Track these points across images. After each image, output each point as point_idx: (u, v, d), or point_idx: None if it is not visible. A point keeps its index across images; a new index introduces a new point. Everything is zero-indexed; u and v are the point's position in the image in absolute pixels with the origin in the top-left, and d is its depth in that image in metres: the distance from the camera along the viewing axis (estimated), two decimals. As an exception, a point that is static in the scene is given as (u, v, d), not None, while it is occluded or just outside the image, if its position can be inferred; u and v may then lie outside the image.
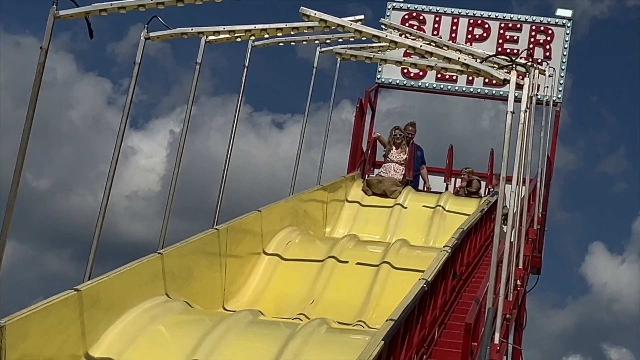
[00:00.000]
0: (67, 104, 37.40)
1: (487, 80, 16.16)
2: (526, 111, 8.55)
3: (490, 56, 8.16)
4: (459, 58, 7.83)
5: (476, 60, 8.18)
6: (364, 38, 8.45)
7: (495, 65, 8.84)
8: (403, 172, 16.93)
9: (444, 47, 9.27)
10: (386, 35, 8.06)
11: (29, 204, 34.30)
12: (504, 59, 8.10)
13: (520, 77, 8.87)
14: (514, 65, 7.83)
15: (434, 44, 8.52)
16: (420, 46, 7.80)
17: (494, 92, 18.86)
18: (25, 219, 35.04)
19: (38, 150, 35.30)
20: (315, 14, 7.85)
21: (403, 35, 11.10)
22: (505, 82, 7.78)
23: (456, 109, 29.42)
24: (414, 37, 10.32)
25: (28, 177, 34.03)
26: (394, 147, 17.17)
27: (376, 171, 17.66)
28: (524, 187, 11.41)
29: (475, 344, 8.21)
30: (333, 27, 8.14)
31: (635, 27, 42.50)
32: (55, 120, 36.03)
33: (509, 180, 9.15)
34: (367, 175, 17.30)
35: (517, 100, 8.71)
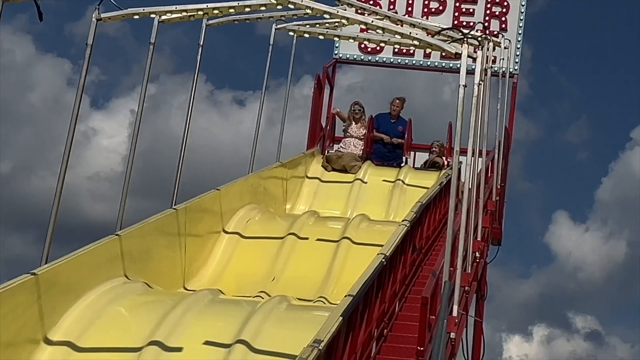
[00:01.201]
0: (26, 85, 37.09)
1: (444, 53, 16.18)
2: (480, 84, 8.58)
3: (441, 30, 8.16)
4: (410, 33, 7.84)
5: (431, 35, 8.18)
6: (317, 14, 8.44)
7: (448, 39, 8.86)
8: (362, 147, 16.92)
9: (397, 22, 9.26)
10: (337, 12, 8.05)
11: (-10, 188, 34.08)
12: (455, 33, 8.11)
13: (474, 50, 8.90)
14: (465, 39, 7.85)
15: (387, 19, 8.49)
16: (372, 22, 7.80)
17: (451, 65, 18.74)
18: (-15, 203, 34.81)
19: (-1, 133, 35.05)
20: (267, -8, 7.82)
21: (359, 11, 11.10)
22: (457, 55, 7.80)
23: (418, 83, 29.38)
24: (368, 12, 10.30)
25: (-11, 160, 33.85)
26: (353, 122, 17.13)
27: (335, 147, 17.64)
28: (480, 159, 11.46)
29: (434, 317, 8.26)
30: (285, 4, 8.13)
31: (592, -4, 42.67)
32: (14, 103, 35.72)
33: (463, 152, 9.20)
34: (326, 151, 17.29)
35: (472, 73, 8.76)
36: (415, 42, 8.07)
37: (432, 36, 8.02)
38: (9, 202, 33.52)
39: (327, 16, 8.32)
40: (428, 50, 17.99)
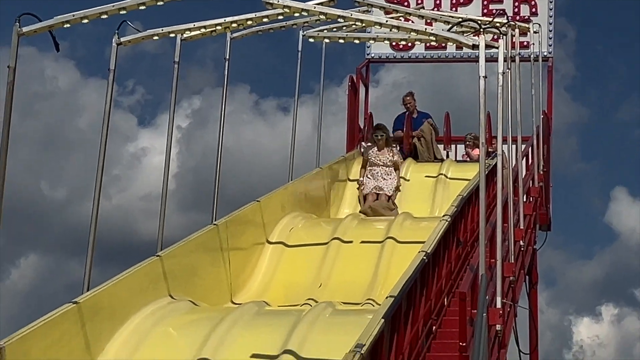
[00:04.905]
0: (74, 111, 37.28)
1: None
2: (504, 73, 8.51)
3: (455, 24, 8.11)
4: (425, 29, 7.79)
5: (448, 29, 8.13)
6: (330, 19, 8.43)
7: (469, 30, 8.83)
8: (392, 178, 15.18)
9: (418, 17, 9.24)
10: (351, 15, 8.01)
11: (47, 215, 34.42)
12: (471, 25, 8.07)
13: (496, 38, 8.84)
14: (482, 30, 7.79)
15: (402, 17, 8.46)
16: (386, 21, 7.76)
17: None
18: (45, 230, 35.22)
19: (50, 160, 35.43)
20: (279, 1, 7.80)
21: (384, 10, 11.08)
22: (475, 47, 7.74)
23: (462, 74, 29.21)
24: (388, 11, 10.29)
25: (44, 188, 34.10)
26: (376, 148, 15.37)
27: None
28: (514, 146, 11.37)
29: (476, 311, 8.19)
30: (299, 13, 8.10)
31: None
32: (63, 129, 36.00)
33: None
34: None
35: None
36: (432, 38, 8.03)
37: (448, 30, 7.98)
38: (67, 228, 33.84)
39: (341, 20, 8.29)
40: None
